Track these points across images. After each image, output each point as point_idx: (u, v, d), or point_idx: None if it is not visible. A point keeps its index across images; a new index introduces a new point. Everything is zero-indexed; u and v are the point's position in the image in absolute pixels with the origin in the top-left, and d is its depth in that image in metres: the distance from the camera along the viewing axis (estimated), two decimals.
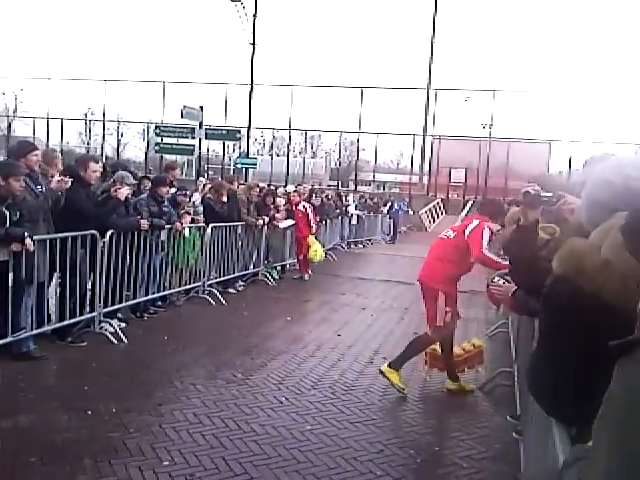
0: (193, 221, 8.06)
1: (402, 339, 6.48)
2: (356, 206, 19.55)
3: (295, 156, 42.47)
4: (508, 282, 2.77)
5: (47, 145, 33.61)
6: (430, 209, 30.71)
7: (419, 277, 5.55)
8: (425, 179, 35.68)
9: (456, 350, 5.54)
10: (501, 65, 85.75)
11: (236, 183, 10.37)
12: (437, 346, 5.46)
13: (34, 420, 4.11)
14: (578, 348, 1.79)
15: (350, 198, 19.97)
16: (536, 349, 2.33)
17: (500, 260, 5.08)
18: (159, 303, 7.72)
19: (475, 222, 5.28)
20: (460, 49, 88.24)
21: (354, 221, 18.58)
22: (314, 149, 49.62)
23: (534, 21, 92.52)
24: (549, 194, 2.65)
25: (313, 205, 12.07)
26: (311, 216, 11.17)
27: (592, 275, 1.73)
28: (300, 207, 11.13)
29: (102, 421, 4.16)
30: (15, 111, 42.91)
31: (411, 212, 28.35)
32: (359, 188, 36.43)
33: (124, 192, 6.14)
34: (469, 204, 30.92)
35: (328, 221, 15.19)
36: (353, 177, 40.25)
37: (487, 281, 2.96)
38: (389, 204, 23.87)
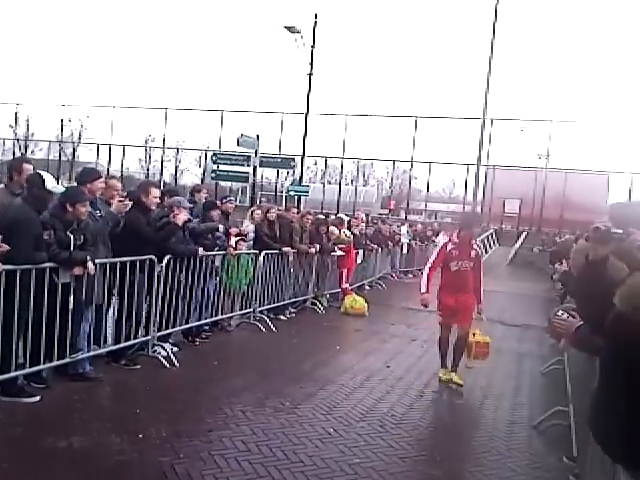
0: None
1: None
2: (409, 236, 19.38)
3: (347, 184, 42.65)
4: (572, 317, 2.70)
5: (108, 171, 34.87)
6: (482, 240, 30.19)
7: None
8: (478, 209, 35.13)
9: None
10: (558, 95, 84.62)
11: (293, 211, 10.53)
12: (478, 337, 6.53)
13: (88, 441, 4.19)
14: None
15: (403, 228, 19.84)
16: (597, 389, 2.24)
17: (425, 282, 6.47)
18: (207, 328, 7.72)
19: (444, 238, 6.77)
20: (517, 78, 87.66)
21: (405, 250, 18.43)
22: (366, 177, 49.75)
23: (593, 50, 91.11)
24: (620, 230, 2.59)
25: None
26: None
27: None
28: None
29: (153, 445, 4.22)
30: (80, 137, 44.67)
31: None
32: (410, 217, 36.18)
33: (182, 217, 6.26)
34: (523, 235, 30.26)
35: (379, 250, 15.12)
36: (404, 206, 40.04)
37: (550, 315, 2.89)
38: (441, 234, 23.59)
